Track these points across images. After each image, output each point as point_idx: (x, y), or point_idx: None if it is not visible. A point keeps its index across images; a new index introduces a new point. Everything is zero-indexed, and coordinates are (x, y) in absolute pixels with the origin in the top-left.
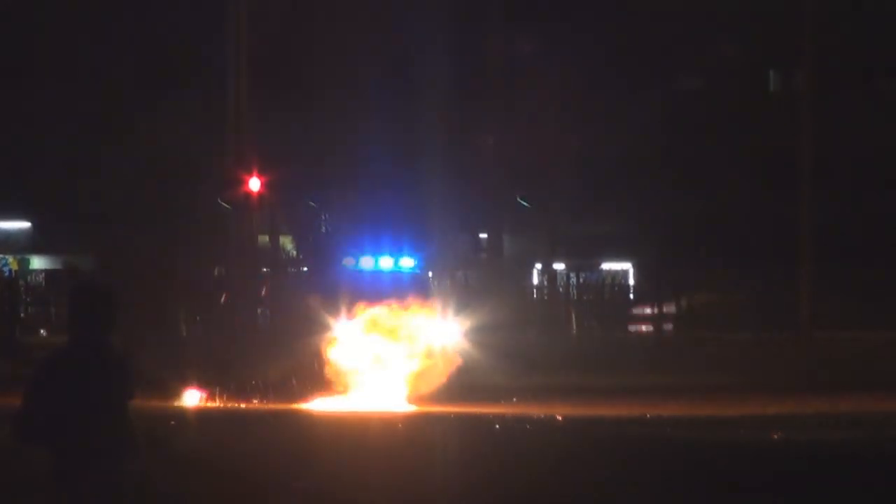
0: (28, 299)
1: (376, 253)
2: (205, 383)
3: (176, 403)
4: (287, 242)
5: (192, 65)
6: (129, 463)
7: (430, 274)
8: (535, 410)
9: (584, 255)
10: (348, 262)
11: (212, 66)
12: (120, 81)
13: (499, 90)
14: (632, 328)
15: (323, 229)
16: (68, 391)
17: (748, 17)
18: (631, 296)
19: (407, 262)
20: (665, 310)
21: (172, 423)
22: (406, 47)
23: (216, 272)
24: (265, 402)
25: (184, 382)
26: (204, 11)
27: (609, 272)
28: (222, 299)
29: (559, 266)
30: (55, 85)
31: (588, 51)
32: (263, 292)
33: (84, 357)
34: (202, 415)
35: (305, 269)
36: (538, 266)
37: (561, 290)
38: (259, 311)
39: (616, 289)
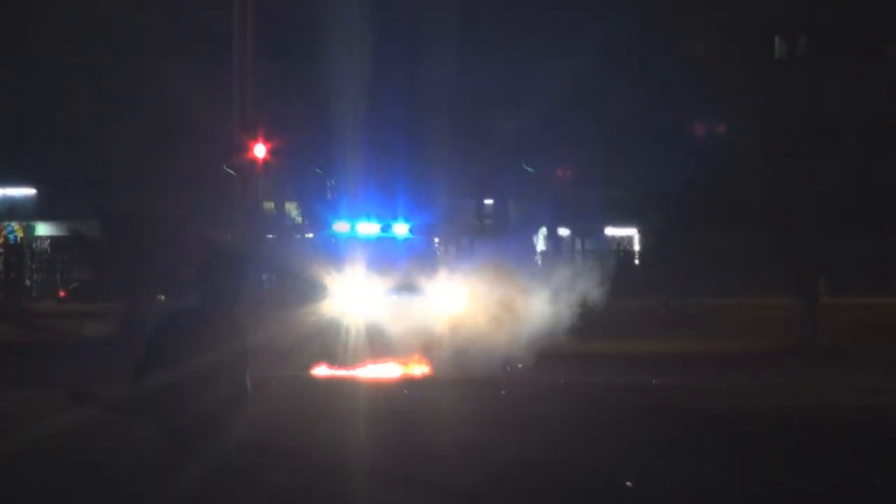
0: (34, 266)
1: (381, 219)
2: None
3: None
4: (292, 209)
5: (198, 30)
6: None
7: (436, 240)
8: (540, 376)
9: (589, 220)
10: (339, 227)
11: (217, 31)
12: (125, 46)
13: (505, 56)
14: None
15: (329, 195)
16: (182, 349)
17: None
18: (636, 261)
19: (412, 229)
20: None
21: None
22: (412, 12)
23: (226, 238)
24: (270, 368)
25: None
26: None
27: (614, 238)
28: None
29: (564, 232)
30: (60, 50)
31: (594, 20)
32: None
33: (204, 318)
34: None
35: (310, 235)
36: (543, 232)
37: (566, 255)
38: (265, 277)
39: (622, 255)
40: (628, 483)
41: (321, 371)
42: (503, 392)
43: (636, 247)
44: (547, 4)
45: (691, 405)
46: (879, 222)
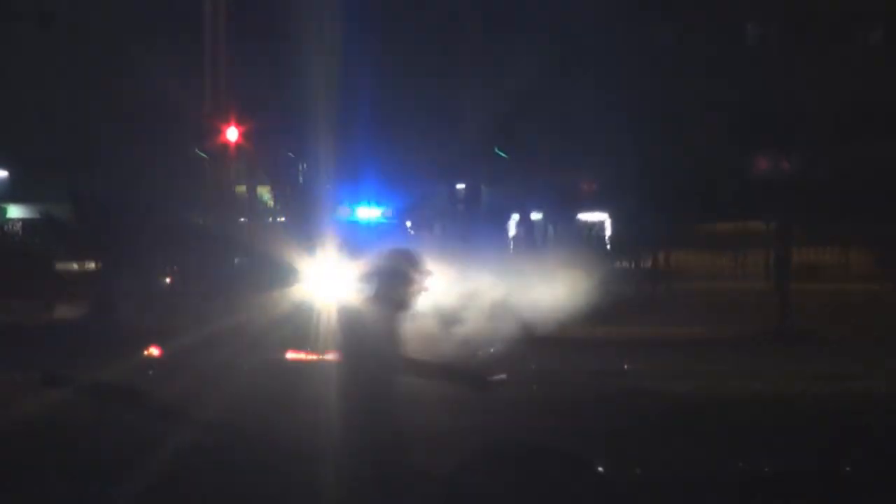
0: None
1: (354, 203)
2: (182, 333)
3: (154, 353)
4: (265, 192)
5: (169, 11)
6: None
7: (409, 224)
8: (512, 362)
9: (561, 205)
10: (343, 212)
11: (189, 11)
12: (97, 28)
13: (480, 38)
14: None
15: (300, 179)
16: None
17: None
18: (608, 247)
19: (384, 213)
20: (642, 262)
21: (150, 372)
22: None
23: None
24: (242, 352)
25: (161, 333)
26: None
27: (586, 223)
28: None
29: (536, 216)
30: (30, 32)
31: (566, 3)
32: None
33: (381, 317)
34: (182, 365)
35: (283, 219)
36: (515, 217)
37: (538, 240)
38: (236, 261)
39: (594, 240)
40: (600, 469)
41: (293, 355)
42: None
43: (608, 231)
44: None
45: (665, 390)
46: (854, 206)
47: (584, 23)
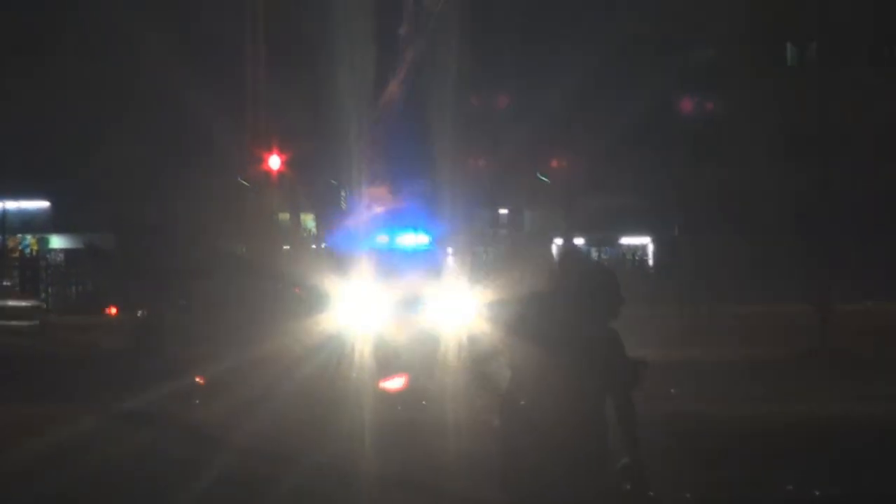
0: (48, 278)
1: (396, 230)
2: (226, 360)
3: (197, 381)
4: (308, 219)
5: (211, 42)
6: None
7: (450, 250)
8: None
9: (604, 229)
10: (382, 239)
11: (230, 42)
12: (139, 59)
13: (518, 64)
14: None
15: (343, 206)
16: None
17: None
18: (651, 270)
19: (424, 239)
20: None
21: (197, 402)
22: (421, 17)
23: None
24: (282, 378)
25: (205, 361)
26: None
27: (629, 247)
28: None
29: (579, 241)
30: (73, 63)
31: (605, 28)
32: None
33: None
34: (223, 391)
35: (324, 246)
36: (558, 241)
37: None
38: (280, 287)
39: (637, 264)
40: (651, 493)
41: (329, 382)
42: (522, 402)
43: (650, 255)
44: (558, 12)
45: (711, 414)
46: (892, 227)
47: (626, 46)
